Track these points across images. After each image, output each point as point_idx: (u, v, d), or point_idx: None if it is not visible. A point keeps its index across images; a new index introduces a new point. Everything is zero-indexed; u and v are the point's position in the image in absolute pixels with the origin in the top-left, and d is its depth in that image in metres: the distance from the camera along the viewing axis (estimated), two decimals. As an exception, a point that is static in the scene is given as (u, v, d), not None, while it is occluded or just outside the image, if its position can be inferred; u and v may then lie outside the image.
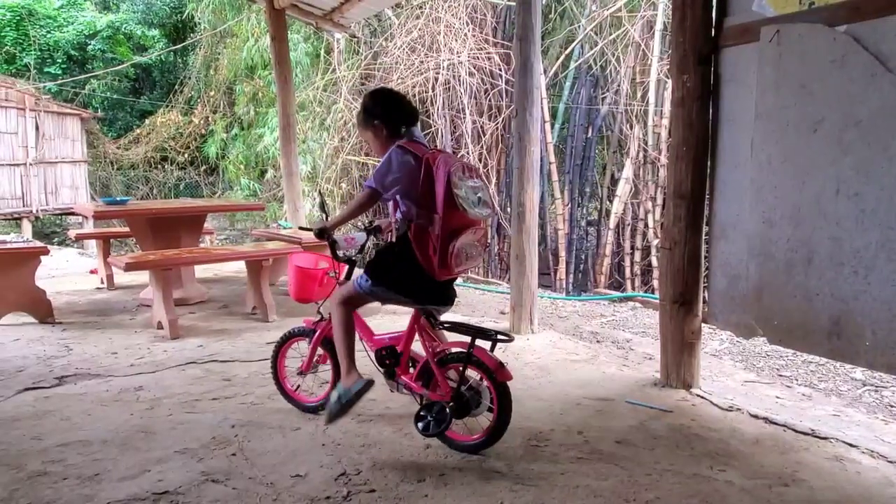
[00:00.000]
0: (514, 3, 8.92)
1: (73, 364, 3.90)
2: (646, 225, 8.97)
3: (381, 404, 3.29)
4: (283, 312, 5.21)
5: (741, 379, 4.20)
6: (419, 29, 10.36)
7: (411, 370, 2.86)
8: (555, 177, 9.28)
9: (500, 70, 9.69)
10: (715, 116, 3.36)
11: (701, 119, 3.37)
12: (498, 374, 2.62)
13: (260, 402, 3.30)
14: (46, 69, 18.15)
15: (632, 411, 3.27)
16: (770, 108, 2.99)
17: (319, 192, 2.59)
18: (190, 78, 17.77)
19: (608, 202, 9.70)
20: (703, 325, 3.59)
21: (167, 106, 17.95)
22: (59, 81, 17.19)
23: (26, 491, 2.29)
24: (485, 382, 2.67)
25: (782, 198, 2.96)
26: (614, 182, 9.67)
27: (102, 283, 6.48)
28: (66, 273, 7.20)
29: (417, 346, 2.88)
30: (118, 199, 6.35)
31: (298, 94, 11.48)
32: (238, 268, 6.90)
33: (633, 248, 9.24)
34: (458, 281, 8.89)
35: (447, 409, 2.59)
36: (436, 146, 2.72)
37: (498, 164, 10.08)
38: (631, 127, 9.13)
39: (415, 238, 2.62)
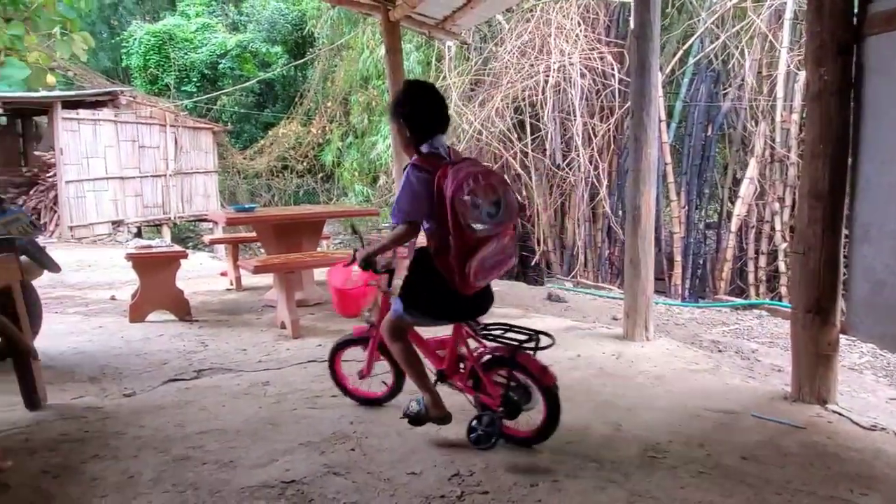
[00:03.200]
0: (629, 1, 8.68)
1: (209, 359, 4.22)
2: (772, 228, 8.38)
3: (492, 407, 3.30)
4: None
5: (885, 396, 3.84)
6: (529, 32, 10.31)
7: (461, 371, 2.85)
8: (670, 178, 8.91)
9: (613, 70, 9.44)
10: (857, 110, 3.09)
11: (840, 114, 3.11)
12: (542, 379, 2.62)
13: (376, 401, 3.41)
14: (184, 88, 19.82)
15: (759, 426, 3.07)
16: (922, 99, 2.72)
17: (352, 224, 2.57)
18: (309, 90, 18.74)
19: (729, 204, 9.18)
20: (840, 335, 3.31)
21: (288, 118, 19.04)
22: (194, 99, 18.71)
23: (172, 472, 2.51)
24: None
25: (937, 197, 2.68)
26: (736, 182, 9.13)
27: (231, 284, 6.96)
28: (200, 275, 7.78)
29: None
30: (246, 206, 6.80)
31: (410, 101, 11.76)
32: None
33: (757, 252, 8.67)
34: (568, 285, 8.77)
35: (496, 421, 2.63)
36: (454, 153, 2.46)
37: (609, 167, 9.82)
38: (756, 123, 8.58)
39: (435, 258, 2.57)
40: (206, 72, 20.16)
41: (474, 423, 2.69)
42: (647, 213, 4.54)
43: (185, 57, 20.06)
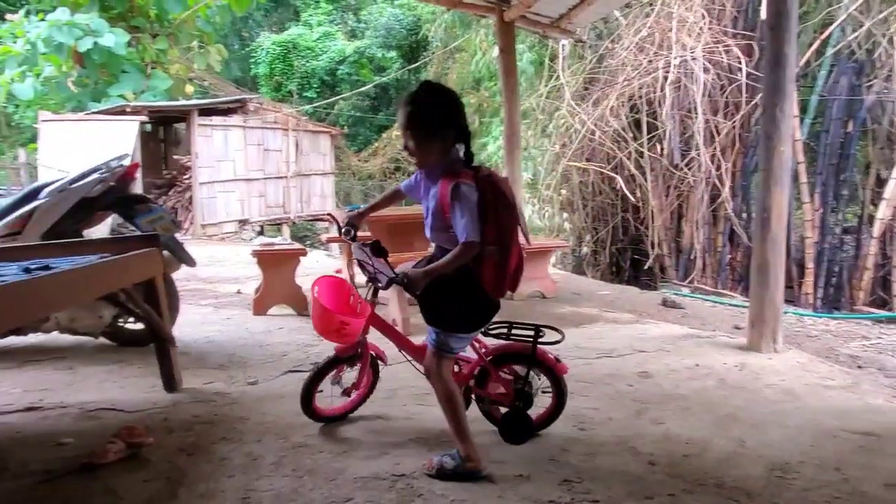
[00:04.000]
0: (757, -11, 8.15)
1: (325, 352, 4.34)
2: (923, 234, 7.57)
3: (603, 413, 3.21)
4: (507, 315, 5.31)
5: None
6: (648, 27, 9.94)
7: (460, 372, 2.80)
8: (803, 178, 8.25)
9: (740, 63, 8.88)
10: None
11: None
12: (557, 370, 2.76)
13: (484, 401, 3.40)
14: (305, 94, 20.89)
15: (907, 452, 2.77)
16: None
17: (375, 242, 2.28)
18: (422, 93, 19.13)
19: (871, 206, 8.38)
20: None
21: (401, 120, 19.54)
22: (314, 104, 19.66)
23: (291, 458, 2.64)
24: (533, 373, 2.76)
25: None
26: (880, 183, 8.32)
27: (351, 281, 7.23)
28: (317, 272, 8.14)
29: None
30: (361, 206, 7.03)
31: (522, 102, 11.73)
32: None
33: (904, 260, 7.86)
34: (685, 291, 8.36)
35: (521, 415, 2.68)
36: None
37: (733, 166, 9.26)
38: (905, 118, 7.78)
39: (481, 267, 2.41)
40: (325, 78, 21.14)
41: (503, 426, 2.72)
42: (777, 216, 4.23)
43: (307, 64, 21.13)
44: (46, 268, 2.68)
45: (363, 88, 20.05)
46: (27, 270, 2.63)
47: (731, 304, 6.98)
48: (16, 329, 3.90)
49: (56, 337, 4.30)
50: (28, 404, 3.22)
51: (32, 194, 4.03)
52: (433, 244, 2.63)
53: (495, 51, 8.96)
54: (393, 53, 21.32)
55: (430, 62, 18.61)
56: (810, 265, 8.30)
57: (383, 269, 2.54)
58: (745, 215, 9.24)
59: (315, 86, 21.13)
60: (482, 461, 2.50)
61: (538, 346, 2.69)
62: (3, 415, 3.09)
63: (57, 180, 4.08)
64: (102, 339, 4.25)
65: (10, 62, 14.12)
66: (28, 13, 14.46)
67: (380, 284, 2.69)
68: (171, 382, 3.43)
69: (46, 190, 3.98)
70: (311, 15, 23.60)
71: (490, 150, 14.00)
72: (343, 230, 2.80)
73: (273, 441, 2.80)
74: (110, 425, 2.87)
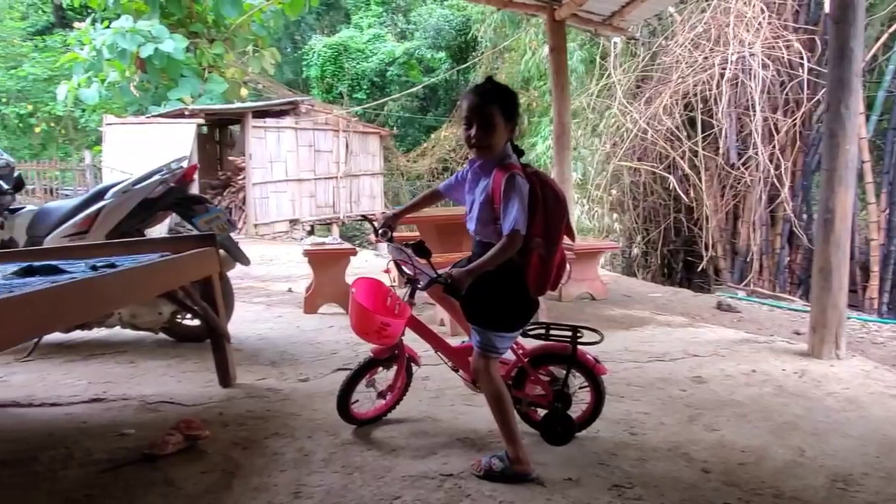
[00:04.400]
0: (820, -18, 7.85)
1: (374, 350, 4.44)
2: None
3: (654, 418, 3.14)
4: (556, 317, 5.27)
5: None
6: (704, 23, 9.68)
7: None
8: (868, 178, 7.90)
9: (802, 59, 8.55)
10: None
11: None
12: (596, 371, 2.76)
13: (533, 403, 3.38)
14: (355, 95, 21.17)
15: (983, 468, 2.62)
16: None
17: (419, 242, 2.25)
18: (470, 94, 19.13)
19: (944, 207, 7.95)
20: None
21: (450, 121, 19.59)
22: (363, 105, 19.90)
23: (341, 455, 2.68)
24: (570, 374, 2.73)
25: None
26: (953, 183, 7.89)
27: (394, 281, 7.28)
28: (366, 272, 8.23)
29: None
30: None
31: (572, 101, 11.60)
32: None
33: (980, 264, 7.43)
34: (740, 294, 8.11)
35: (563, 416, 2.68)
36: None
37: (793, 165, 8.93)
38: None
39: (527, 264, 2.42)
40: (375, 79, 21.38)
41: (545, 427, 2.71)
42: (841, 217, 4.06)
43: (357, 66, 21.42)
44: (111, 266, 2.80)
45: (412, 89, 20.19)
46: (94, 268, 2.75)
47: (790, 309, 6.74)
48: (82, 324, 4.08)
49: (118, 332, 4.48)
50: (93, 396, 3.37)
51: (99, 195, 4.21)
52: (476, 239, 2.59)
53: (545, 50, 8.89)
54: (442, 54, 21.40)
55: (479, 62, 18.60)
56: (875, 268, 7.93)
57: (425, 270, 2.53)
58: (805, 216, 8.90)
59: (365, 87, 21.40)
60: (531, 464, 2.48)
61: (577, 346, 2.67)
62: (70, 406, 3.24)
63: (121, 181, 4.25)
64: (162, 335, 4.40)
65: (77, 68, 14.81)
66: (94, 21, 15.11)
67: (419, 286, 2.68)
68: (225, 378, 3.52)
69: (111, 191, 4.15)
70: (361, 17, 23.92)
71: (539, 149, 13.89)
72: (380, 231, 2.82)
73: (323, 437, 2.85)
74: (169, 418, 2.97)
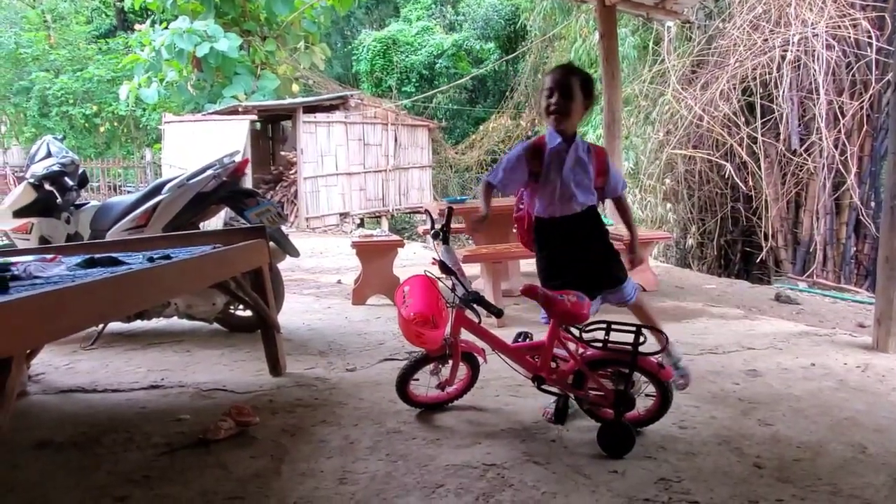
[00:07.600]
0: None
1: (421, 341, 4.47)
2: None
3: (705, 412, 3.06)
4: (607, 308, 5.18)
5: None
6: (764, 3, 9.30)
7: (556, 373, 2.75)
8: (941, 162, 7.46)
9: (870, 38, 8.12)
10: None
11: None
12: (661, 376, 2.65)
13: (579, 395, 3.34)
14: (404, 88, 21.29)
15: None
16: None
17: (441, 228, 2.34)
18: (519, 84, 18.98)
19: None
20: None
21: (498, 112, 19.48)
22: (412, 98, 19.99)
23: (386, 443, 2.71)
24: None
25: None
26: None
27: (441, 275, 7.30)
28: (414, 263, 8.27)
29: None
30: (458, 198, 7.10)
31: (623, 88, 11.36)
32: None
33: None
34: (801, 286, 7.80)
35: (624, 427, 2.57)
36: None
37: (860, 150, 8.51)
38: None
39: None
40: (423, 72, 21.44)
41: (601, 436, 2.60)
42: (908, 204, 3.85)
43: (406, 59, 21.52)
44: (167, 257, 2.91)
45: (461, 81, 20.16)
46: (150, 260, 2.86)
47: (854, 301, 6.45)
48: (141, 313, 4.26)
49: (175, 322, 4.66)
50: (151, 383, 3.51)
51: (156, 190, 4.37)
52: (577, 210, 2.94)
53: (595, 36, 8.72)
54: (491, 45, 21.28)
55: (528, 51, 18.41)
56: (950, 258, 7.50)
57: (464, 282, 2.62)
58: (873, 204, 8.48)
59: (414, 80, 21.48)
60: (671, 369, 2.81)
61: (638, 354, 2.56)
62: (130, 392, 3.39)
63: (177, 176, 4.40)
64: (216, 325, 4.54)
65: (138, 69, 15.40)
66: (153, 23, 15.67)
67: (456, 298, 2.80)
68: (275, 367, 3.61)
69: (168, 186, 4.30)
70: (410, 10, 24.01)
71: (589, 138, 13.67)
72: (435, 232, 2.86)
73: (369, 426, 2.89)
74: (222, 404, 3.07)
